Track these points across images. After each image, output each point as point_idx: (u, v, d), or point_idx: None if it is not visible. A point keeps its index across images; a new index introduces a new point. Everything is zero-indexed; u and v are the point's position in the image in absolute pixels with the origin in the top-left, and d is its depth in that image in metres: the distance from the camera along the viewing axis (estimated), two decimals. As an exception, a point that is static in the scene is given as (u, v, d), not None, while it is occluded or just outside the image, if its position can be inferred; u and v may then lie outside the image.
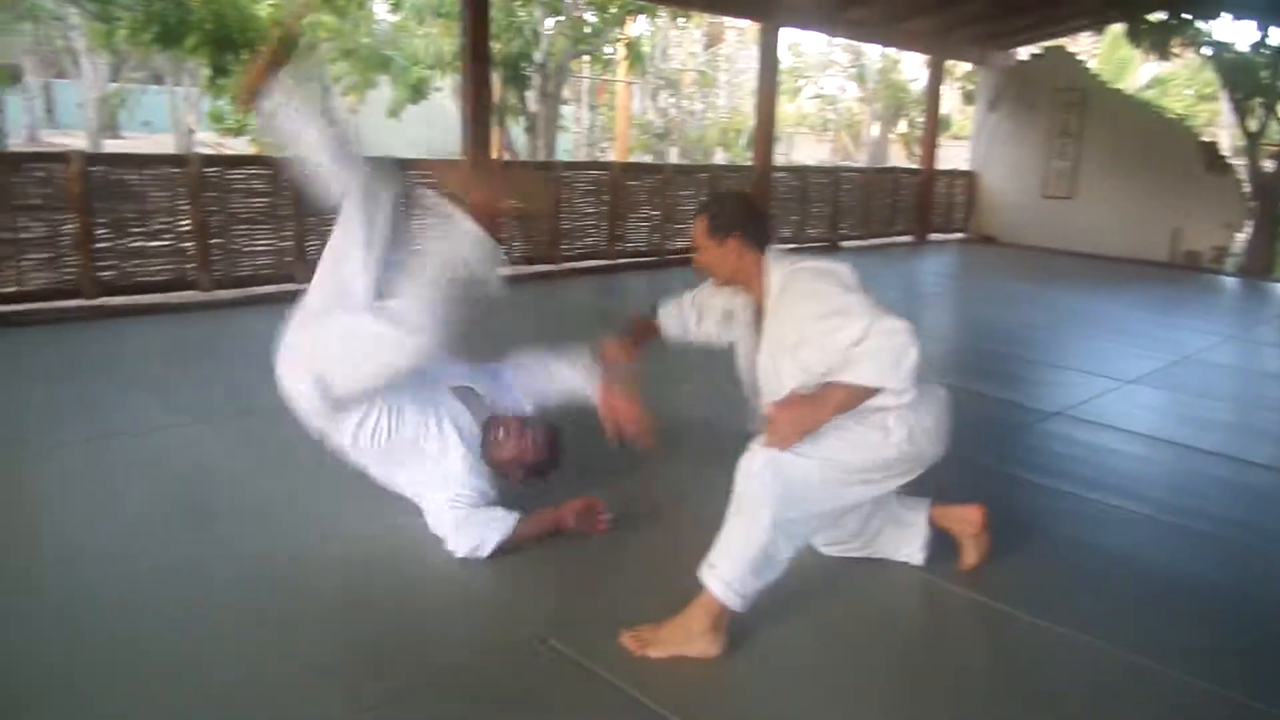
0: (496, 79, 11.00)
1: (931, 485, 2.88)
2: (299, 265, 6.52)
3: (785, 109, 20.60)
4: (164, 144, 20.42)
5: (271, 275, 6.49)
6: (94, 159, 5.96)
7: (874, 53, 17.70)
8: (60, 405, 3.97)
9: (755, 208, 2.69)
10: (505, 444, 2.85)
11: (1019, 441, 4.25)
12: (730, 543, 2.26)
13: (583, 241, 8.42)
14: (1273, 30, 10.00)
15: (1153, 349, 6.29)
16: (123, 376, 4.50)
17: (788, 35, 12.70)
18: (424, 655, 2.27)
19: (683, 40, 19.67)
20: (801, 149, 23.39)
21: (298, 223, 6.53)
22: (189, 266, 6.11)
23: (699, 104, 20.49)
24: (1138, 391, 5.19)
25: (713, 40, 21.25)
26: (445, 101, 15.54)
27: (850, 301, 2.31)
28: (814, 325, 2.33)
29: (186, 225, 6.05)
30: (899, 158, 20.01)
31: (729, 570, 2.24)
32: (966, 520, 2.78)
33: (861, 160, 19.27)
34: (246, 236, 6.37)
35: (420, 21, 10.73)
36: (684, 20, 12.53)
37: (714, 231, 2.53)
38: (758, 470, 2.23)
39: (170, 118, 19.20)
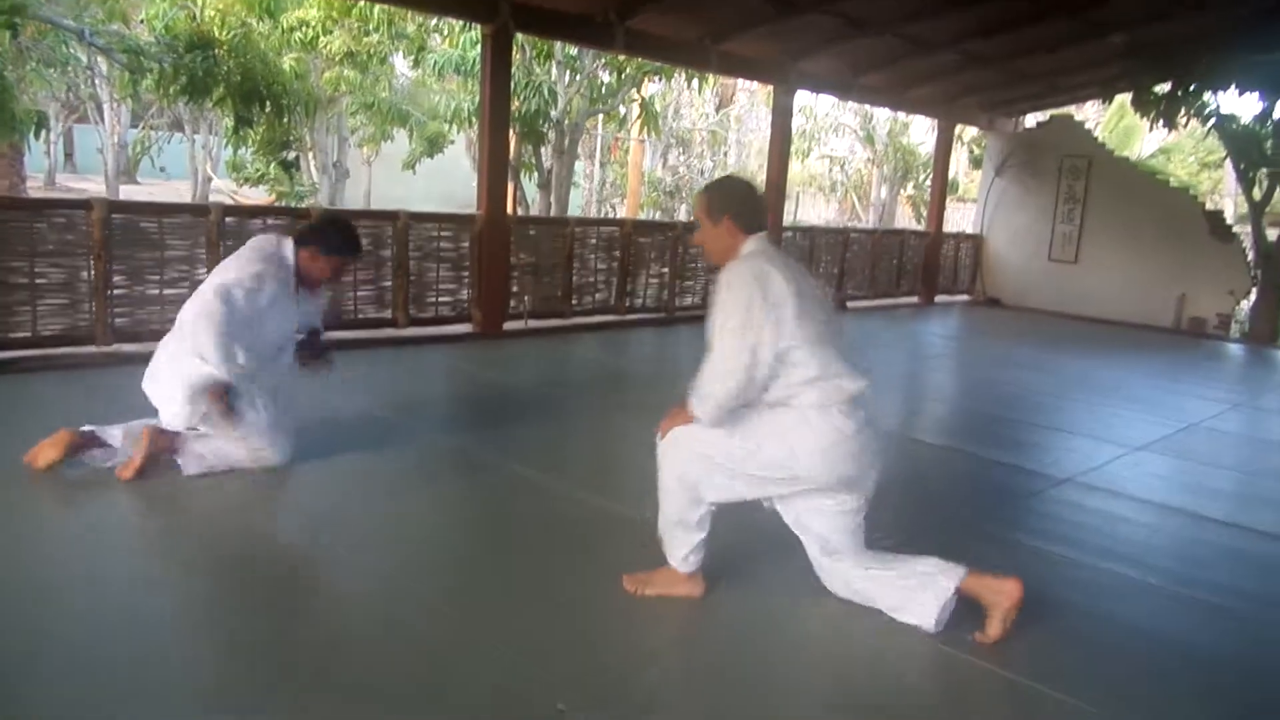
0: (513, 135, 11.21)
1: (948, 552, 2.89)
2: (312, 314, 6.59)
3: (794, 169, 20.87)
4: (181, 190, 20.76)
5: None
6: (117, 206, 6.04)
7: (883, 115, 17.97)
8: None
9: (753, 194, 2.83)
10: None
11: (1031, 509, 4.24)
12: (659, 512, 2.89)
13: (592, 297, 8.49)
14: (1278, 103, 10.16)
15: (1160, 416, 6.29)
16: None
17: (800, 98, 12.96)
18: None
19: (695, 100, 20.01)
20: (809, 208, 23.65)
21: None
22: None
23: (709, 162, 20.78)
24: (1146, 458, 5.19)
25: (724, 101, 21.64)
26: (459, 155, 15.82)
27: (733, 322, 2.58)
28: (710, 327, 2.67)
29: (203, 274, 6.12)
30: (906, 219, 20.22)
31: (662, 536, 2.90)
32: (1003, 593, 2.74)
33: (869, 221, 19.47)
34: (262, 285, 6.43)
35: (440, 77, 10.96)
36: (697, 82, 12.73)
37: (711, 210, 2.76)
38: (659, 449, 2.85)
39: (188, 165, 19.50)
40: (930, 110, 12.13)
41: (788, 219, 20.09)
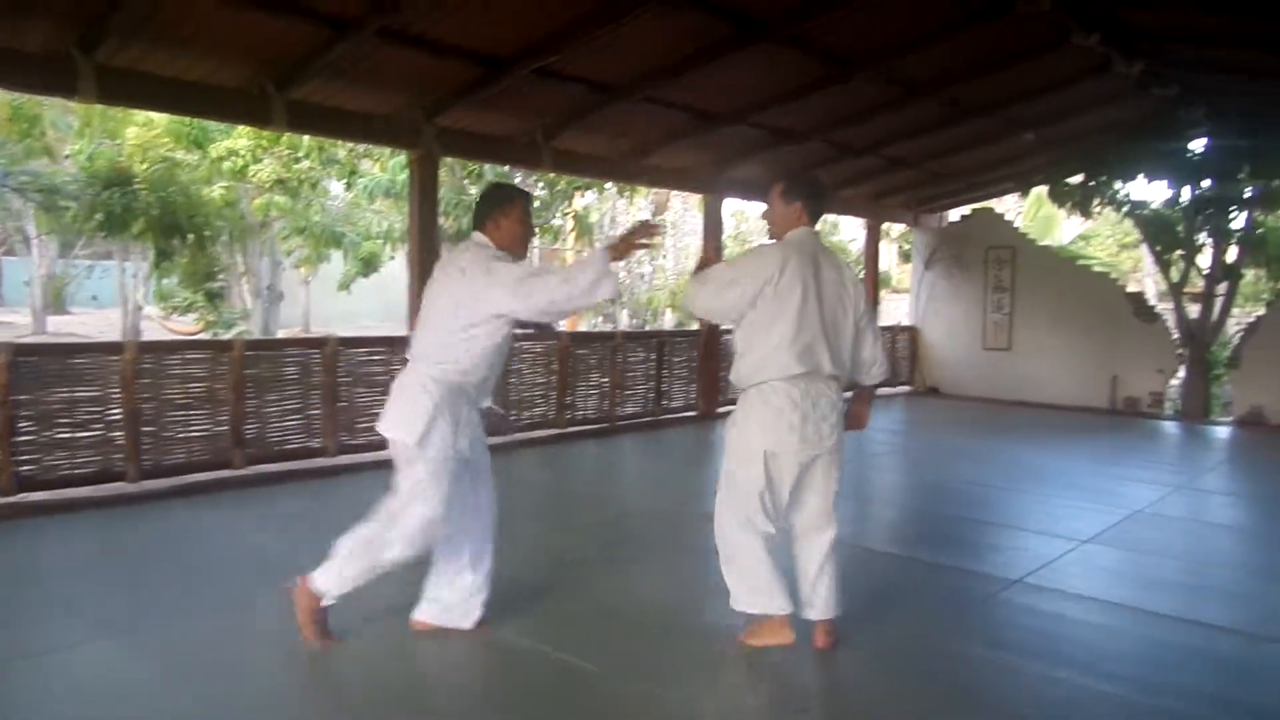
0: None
1: (904, 670, 2.74)
2: (236, 451, 6.34)
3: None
4: (112, 319, 20.34)
5: (207, 462, 6.27)
6: (23, 350, 5.79)
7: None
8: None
9: (822, 193, 3.71)
10: None
11: (982, 616, 4.12)
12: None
13: (531, 411, 8.35)
14: (1186, 190, 10.60)
15: (1104, 503, 6.27)
16: (37, 584, 4.22)
17: (731, 203, 13.20)
18: None
19: (630, 208, 20.35)
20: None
21: (236, 406, 6.37)
22: (116, 457, 5.87)
23: (648, 267, 21.00)
24: (1095, 552, 5.12)
25: (659, 208, 22.04)
26: (400, 270, 15.78)
27: (740, 261, 3.69)
28: None
29: (117, 414, 5.86)
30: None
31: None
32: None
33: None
34: (181, 423, 6.18)
35: (371, 200, 10.99)
36: (628, 193, 12.95)
37: (788, 194, 3.60)
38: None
39: (118, 294, 19.18)
40: (857, 210, 12.45)
41: (729, 319, 20.27)
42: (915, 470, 8.11)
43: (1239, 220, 10.69)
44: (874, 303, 12.68)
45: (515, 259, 3.44)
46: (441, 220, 10.56)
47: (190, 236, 8.21)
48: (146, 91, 5.81)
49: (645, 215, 21.47)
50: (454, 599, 3.66)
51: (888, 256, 18.14)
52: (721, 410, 10.19)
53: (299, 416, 6.78)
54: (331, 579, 3.43)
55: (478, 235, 3.49)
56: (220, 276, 11.41)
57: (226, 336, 10.32)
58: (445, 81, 6.64)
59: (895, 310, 16.36)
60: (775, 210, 3.63)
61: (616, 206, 18.82)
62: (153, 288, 12.76)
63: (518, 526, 5.49)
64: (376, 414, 6.94)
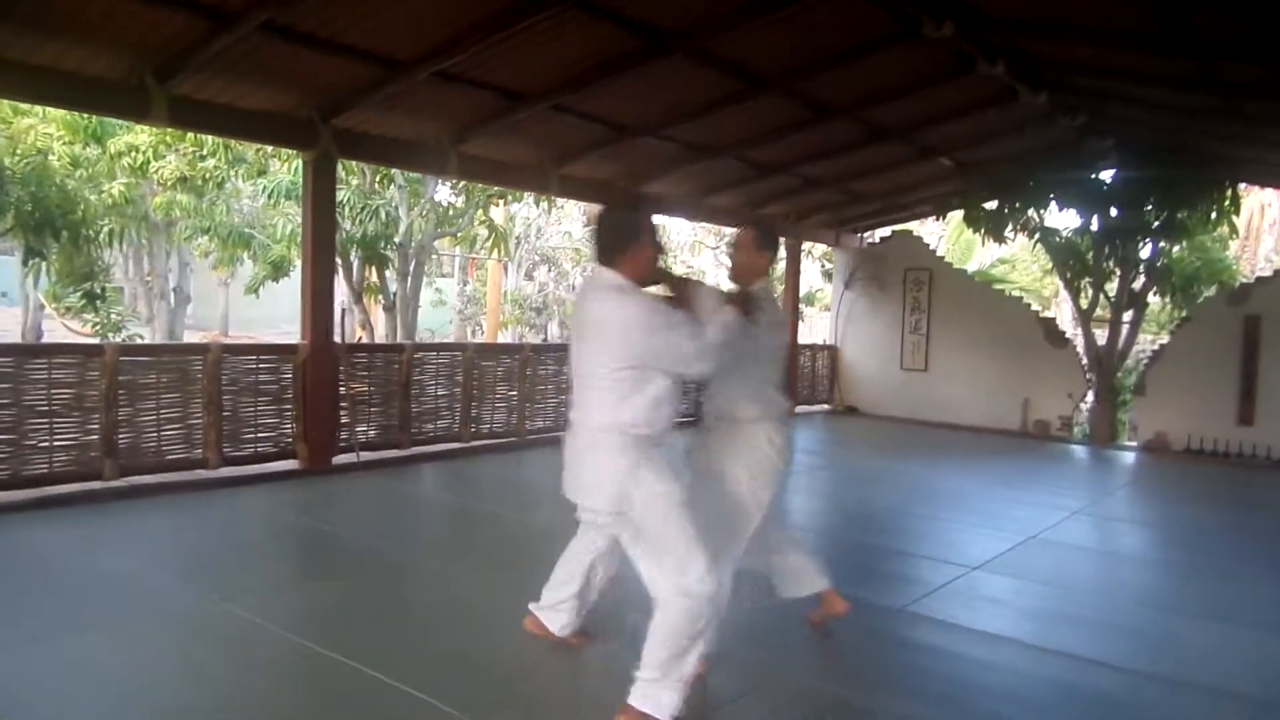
0: (355, 259, 10.89)
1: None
2: (106, 461, 6.00)
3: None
4: (17, 316, 19.41)
5: (73, 473, 5.91)
6: None
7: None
8: None
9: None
10: None
11: (851, 647, 4.01)
12: None
13: (434, 425, 8.10)
14: (1095, 219, 10.82)
15: (1002, 528, 6.27)
16: None
17: (657, 217, 13.11)
18: None
19: (560, 218, 20.17)
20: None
21: (107, 414, 6.02)
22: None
23: (578, 279, 20.83)
24: (984, 580, 5.08)
25: (590, 219, 21.91)
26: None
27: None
28: None
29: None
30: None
31: None
32: None
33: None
34: (45, 431, 5.82)
35: (275, 201, 10.63)
36: (546, 203, 12.79)
37: (761, 245, 3.61)
38: None
39: (18, 292, 18.34)
40: (778, 229, 12.45)
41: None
42: (818, 493, 8.02)
43: (1145, 250, 10.94)
44: (795, 321, 12.76)
45: (644, 284, 3.18)
46: (347, 225, 10.28)
47: (64, 234, 7.78)
48: (11, 81, 5.48)
49: (577, 227, 21.34)
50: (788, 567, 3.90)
51: (812, 275, 18.27)
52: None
53: (179, 426, 6.45)
54: (664, 695, 2.95)
55: (610, 274, 3.10)
56: (102, 277, 10.90)
57: (119, 339, 9.85)
58: (342, 81, 6.41)
59: (821, 328, 16.46)
60: (748, 257, 3.60)
61: (545, 217, 18.62)
62: (43, 286, 12.16)
63: (408, 550, 5.27)
64: (264, 424, 6.82)
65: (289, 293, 16.41)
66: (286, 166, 10.28)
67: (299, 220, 10.67)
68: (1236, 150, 9.18)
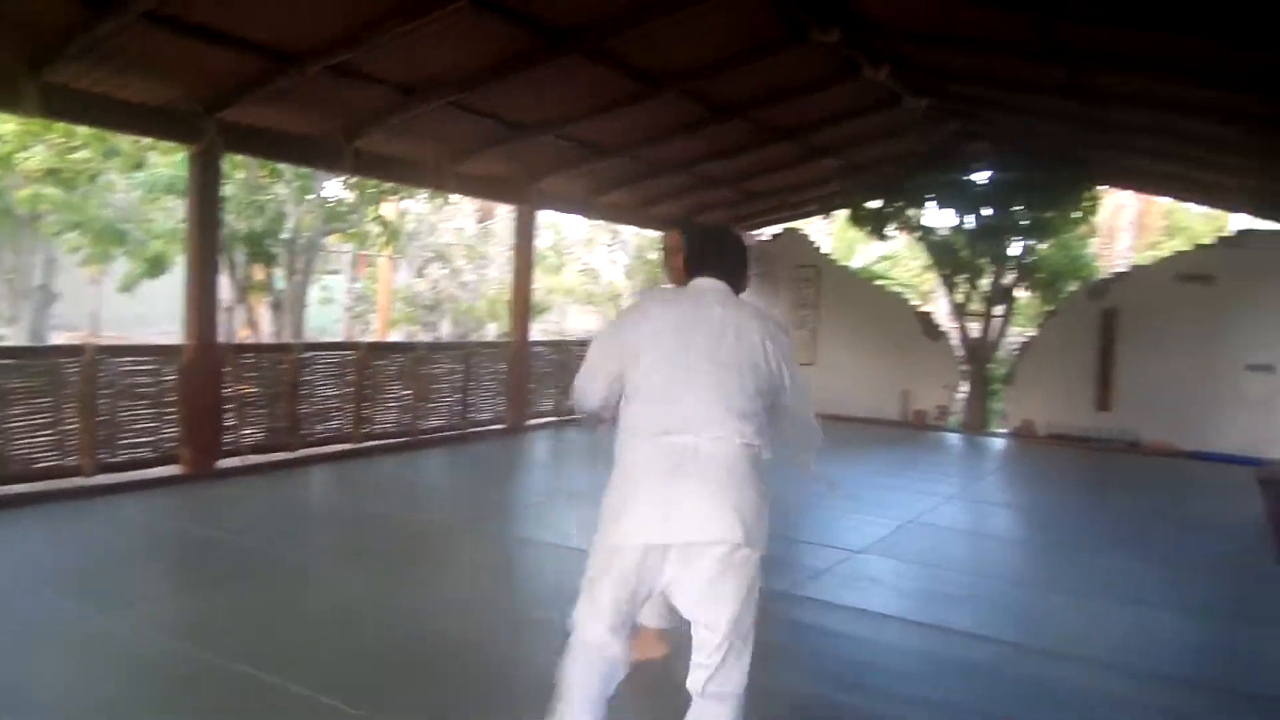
0: (241, 257, 10.55)
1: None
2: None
3: (553, 281, 21.12)
4: None
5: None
6: None
7: (632, 230, 18.66)
8: None
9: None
10: None
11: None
12: None
13: (325, 425, 7.95)
14: (970, 218, 11.40)
15: (881, 514, 6.58)
16: None
17: (548, 215, 13.16)
18: None
19: (454, 215, 19.92)
20: (574, 318, 24.00)
21: (-26, 420, 5.71)
22: None
23: (472, 276, 20.63)
24: (867, 563, 5.35)
25: (485, 215, 21.71)
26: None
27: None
28: None
29: None
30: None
31: None
32: None
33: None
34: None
35: (154, 196, 10.19)
36: (441, 200, 12.66)
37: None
38: None
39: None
40: (671, 227, 12.64)
41: (553, 330, 20.23)
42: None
43: (1015, 247, 11.59)
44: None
45: None
46: (234, 221, 9.96)
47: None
48: None
49: (470, 223, 21.11)
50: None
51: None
52: (531, 423, 10.10)
53: (50, 432, 6.15)
54: None
55: (752, 299, 2.86)
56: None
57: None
58: (230, 74, 6.22)
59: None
60: (677, 261, 3.07)
61: (438, 213, 18.36)
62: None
63: (298, 553, 5.19)
64: (144, 429, 6.58)
65: (165, 291, 15.72)
66: (167, 160, 9.87)
67: (180, 215, 10.30)
68: (1097, 154, 9.83)
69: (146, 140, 10.19)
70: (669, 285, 3.19)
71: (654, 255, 19.27)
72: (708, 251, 2.86)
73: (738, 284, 2.83)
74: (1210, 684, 3.86)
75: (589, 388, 2.72)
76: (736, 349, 2.60)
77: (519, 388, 9.89)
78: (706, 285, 2.76)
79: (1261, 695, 3.75)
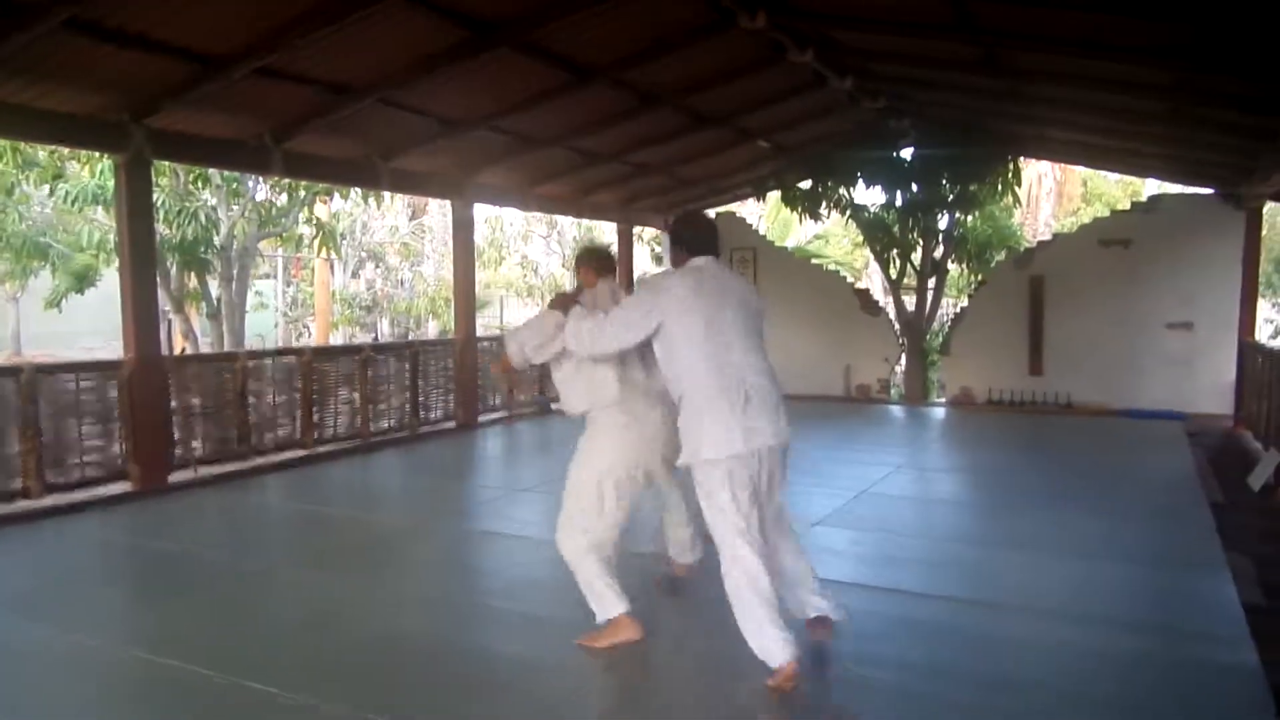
0: (174, 266, 10.33)
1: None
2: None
3: (492, 274, 21.03)
4: None
5: None
6: None
7: (569, 220, 18.69)
8: None
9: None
10: None
11: (704, 602, 4.26)
12: None
13: (275, 433, 7.87)
14: (898, 194, 11.69)
15: (834, 486, 6.77)
16: None
17: (483, 209, 13.10)
18: None
19: (385, 213, 19.70)
20: (513, 311, 23.95)
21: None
22: None
23: (407, 273, 20.45)
24: (823, 534, 5.51)
25: (416, 212, 21.49)
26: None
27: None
28: None
29: None
30: (606, 314, 20.96)
31: None
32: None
33: (570, 319, 20.02)
34: None
35: (77, 208, 9.91)
36: (374, 198, 12.52)
37: (577, 264, 4.36)
38: None
39: None
40: (608, 215, 12.73)
41: (493, 323, 20.16)
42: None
43: (943, 221, 11.93)
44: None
45: None
46: (164, 229, 9.75)
47: None
48: None
49: (404, 221, 20.90)
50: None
51: (643, 259, 18.69)
52: (482, 420, 10.10)
53: (-10, 457, 6.00)
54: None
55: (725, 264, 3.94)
56: None
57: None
58: (154, 80, 6.11)
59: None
60: (579, 276, 4.24)
61: (370, 211, 18.15)
62: None
63: (257, 561, 5.16)
64: (90, 446, 6.44)
65: (90, 306, 15.28)
66: (89, 169, 9.60)
67: (106, 227, 10.06)
68: (1017, 127, 10.17)
69: (65, 150, 9.92)
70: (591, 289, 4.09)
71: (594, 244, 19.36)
72: (699, 237, 3.72)
73: (719, 255, 3.76)
74: (1148, 625, 4.09)
75: (624, 336, 3.54)
76: (748, 312, 3.60)
77: (468, 385, 9.89)
78: (706, 263, 3.63)
79: (1200, 632, 3.99)
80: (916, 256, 12.05)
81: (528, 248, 21.49)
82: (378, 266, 19.89)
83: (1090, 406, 10.89)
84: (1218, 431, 9.54)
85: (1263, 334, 14.34)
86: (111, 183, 9.01)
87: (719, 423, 3.37)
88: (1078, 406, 10.97)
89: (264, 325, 20.30)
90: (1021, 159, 11.83)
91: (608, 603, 3.73)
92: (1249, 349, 9.84)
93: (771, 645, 3.28)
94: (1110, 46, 5.84)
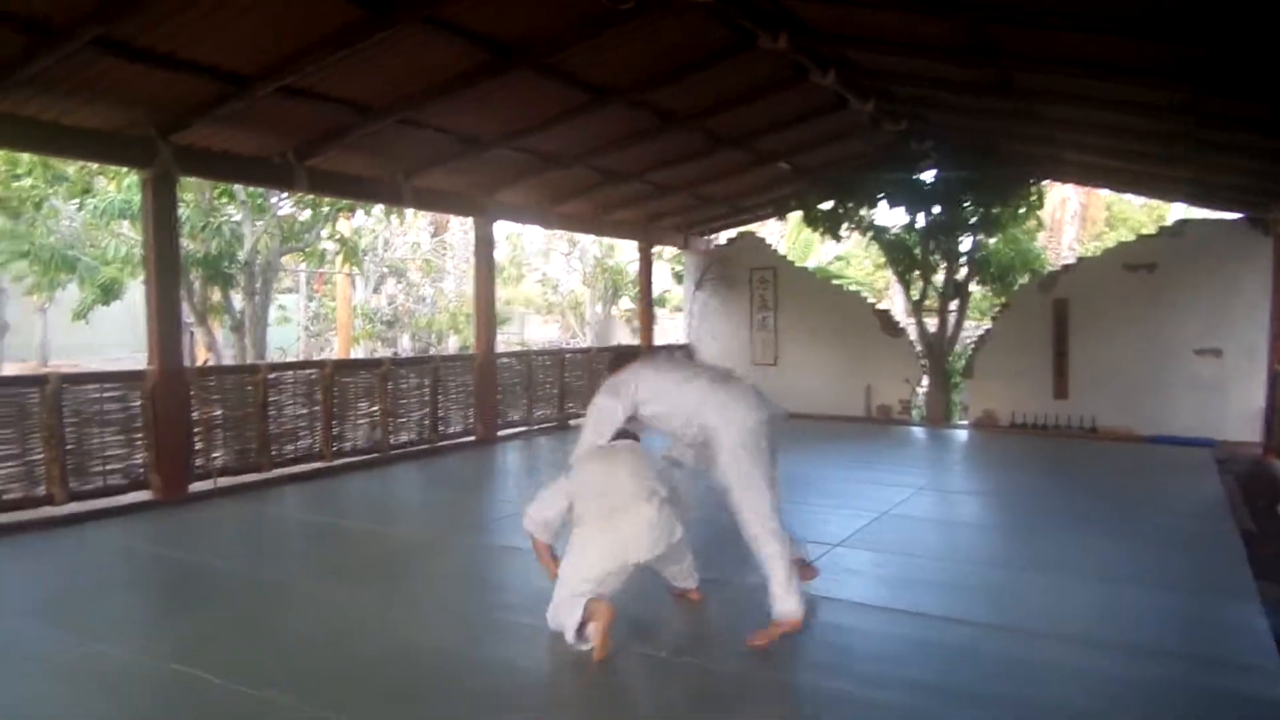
0: (198, 279, 10.44)
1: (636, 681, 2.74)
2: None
3: (512, 292, 21.11)
4: None
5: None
6: None
7: (589, 238, 18.75)
8: None
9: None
10: None
11: (727, 621, 4.25)
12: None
13: (294, 445, 7.90)
14: (920, 215, 11.64)
15: (856, 507, 6.70)
16: None
17: (504, 227, 13.17)
18: None
19: (407, 230, 19.83)
20: (533, 328, 24.00)
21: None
22: None
23: (428, 289, 20.54)
24: (846, 555, 5.45)
25: (439, 229, 21.63)
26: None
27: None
28: None
29: None
30: (625, 334, 21.01)
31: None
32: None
33: (588, 337, 20.02)
34: None
35: (105, 222, 10.04)
36: (396, 215, 12.62)
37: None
38: None
39: None
40: (629, 233, 12.77)
41: (514, 339, 20.21)
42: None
43: (966, 243, 11.86)
44: (649, 322, 13.11)
45: None
46: (189, 244, 9.85)
47: None
48: None
49: (425, 237, 21.03)
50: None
51: (664, 278, 18.72)
52: (501, 434, 10.11)
53: (17, 463, 6.06)
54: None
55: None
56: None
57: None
58: (181, 98, 6.21)
59: (676, 329, 16.91)
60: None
61: (392, 227, 18.28)
62: None
63: (276, 572, 5.17)
64: (113, 455, 6.48)
65: (116, 318, 15.44)
66: (116, 184, 9.74)
67: (133, 241, 10.18)
68: (1036, 149, 10.10)
69: (94, 166, 10.07)
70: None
71: (612, 263, 19.42)
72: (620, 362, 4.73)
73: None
74: (1176, 652, 4.00)
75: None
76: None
77: (487, 399, 9.90)
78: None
79: (1229, 661, 3.90)
80: (938, 278, 11.98)
81: (548, 265, 21.55)
82: (399, 282, 20.00)
83: (1116, 431, 10.75)
84: (1247, 459, 9.37)
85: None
86: (138, 198, 9.15)
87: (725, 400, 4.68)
88: (1103, 431, 10.83)
89: (286, 339, 20.46)
90: (1045, 182, 11.75)
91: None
92: (1279, 377, 9.68)
93: None
94: (1120, 68, 5.79)
